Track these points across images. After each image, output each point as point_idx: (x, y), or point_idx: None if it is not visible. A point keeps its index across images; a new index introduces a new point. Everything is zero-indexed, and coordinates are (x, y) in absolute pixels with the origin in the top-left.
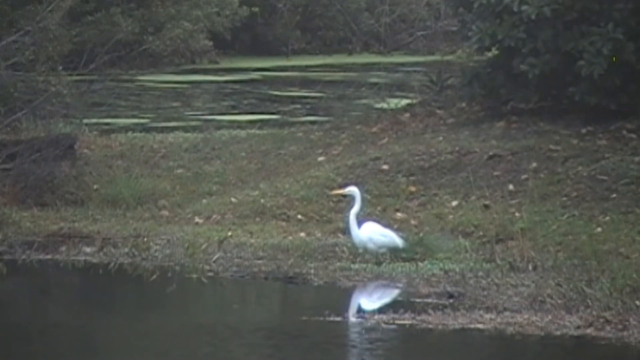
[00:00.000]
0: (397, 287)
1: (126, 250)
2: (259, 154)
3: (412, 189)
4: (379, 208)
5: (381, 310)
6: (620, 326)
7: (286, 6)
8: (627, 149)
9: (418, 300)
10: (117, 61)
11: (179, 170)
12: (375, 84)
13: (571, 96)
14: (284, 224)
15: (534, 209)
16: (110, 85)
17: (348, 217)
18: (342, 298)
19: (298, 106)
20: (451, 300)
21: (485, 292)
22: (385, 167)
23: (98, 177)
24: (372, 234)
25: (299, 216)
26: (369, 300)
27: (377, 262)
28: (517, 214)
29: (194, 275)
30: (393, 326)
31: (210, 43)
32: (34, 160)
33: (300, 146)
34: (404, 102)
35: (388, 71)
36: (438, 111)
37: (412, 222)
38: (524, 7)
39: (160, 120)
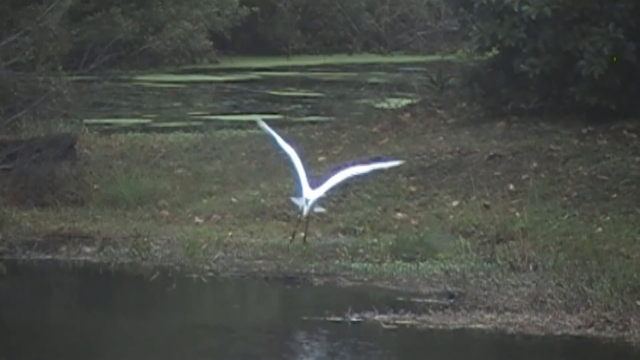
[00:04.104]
0: None
1: (126, 250)
2: (259, 154)
3: (413, 188)
4: (379, 208)
5: None
6: (621, 326)
7: (286, 6)
8: (627, 149)
9: (418, 300)
10: (117, 61)
11: (179, 170)
12: (376, 84)
13: (572, 96)
14: (284, 224)
15: (535, 209)
16: (110, 85)
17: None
18: (342, 298)
19: (299, 106)
20: (452, 300)
21: (486, 292)
22: None
23: (98, 177)
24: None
25: (300, 216)
26: None
27: (380, 260)
28: (517, 214)
29: (194, 275)
30: (393, 326)
31: (211, 43)
32: (34, 160)
33: (301, 146)
34: (405, 102)
35: (388, 71)
36: (438, 111)
37: (413, 222)
38: (524, 7)
39: (162, 120)
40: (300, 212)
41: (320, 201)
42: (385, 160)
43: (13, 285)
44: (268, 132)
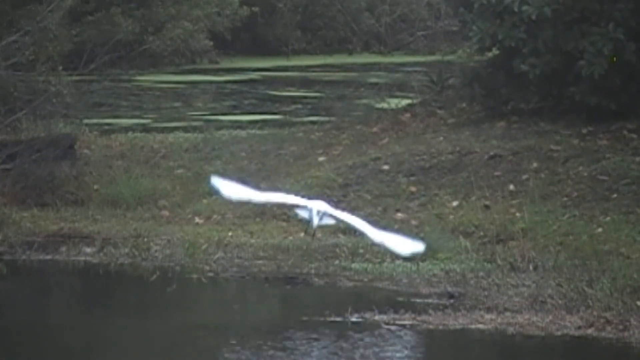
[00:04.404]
0: None
1: (126, 250)
2: (259, 154)
3: (413, 189)
4: (379, 208)
5: None
6: (621, 326)
7: (286, 6)
8: (627, 149)
9: (418, 300)
10: (117, 61)
11: (179, 170)
12: (376, 84)
13: (572, 96)
14: (284, 224)
15: (535, 209)
16: (110, 85)
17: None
18: (342, 298)
19: (299, 106)
20: (452, 301)
21: (486, 293)
22: (385, 167)
23: (98, 177)
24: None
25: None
26: None
27: (380, 260)
28: (517, 214)
29: (194, 275)
30: (393, 326)
31: (211, 43)
32: (34, 160)
33: (301, 146)
34: (405, 102)
35: (388, 71)
36: (438, 111)
37: (413, 222)
38: (524, 7)
39: (162, 120)
40: (310, 224)
41: (327, 215)
42: (407, 237)
43: (13, 285)
44: (237, 198)
